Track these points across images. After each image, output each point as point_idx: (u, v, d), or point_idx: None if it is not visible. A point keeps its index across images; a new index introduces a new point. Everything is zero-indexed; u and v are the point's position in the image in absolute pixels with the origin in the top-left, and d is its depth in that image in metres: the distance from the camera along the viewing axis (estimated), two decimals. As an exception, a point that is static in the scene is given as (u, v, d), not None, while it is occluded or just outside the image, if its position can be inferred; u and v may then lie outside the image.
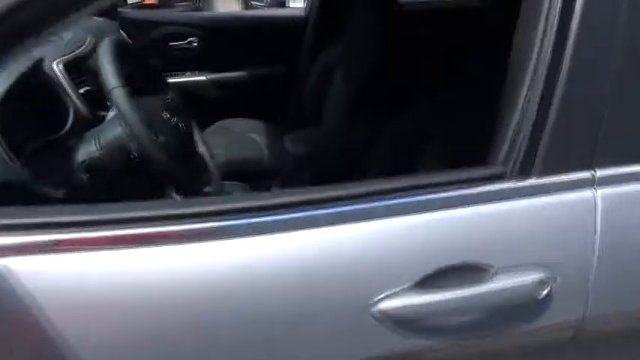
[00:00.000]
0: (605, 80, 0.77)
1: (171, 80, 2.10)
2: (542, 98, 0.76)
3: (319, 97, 2.01)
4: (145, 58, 1.24)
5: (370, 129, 1.63)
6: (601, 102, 0.78)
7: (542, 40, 0.76)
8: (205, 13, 2.34)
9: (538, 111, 0.77)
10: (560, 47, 0.76)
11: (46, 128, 1.13)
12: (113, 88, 0.98)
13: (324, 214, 0.70)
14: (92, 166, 1.01)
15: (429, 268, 0.72)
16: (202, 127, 2.09)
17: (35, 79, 1.13)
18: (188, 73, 2.12)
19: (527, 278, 0.74)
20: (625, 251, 0.79)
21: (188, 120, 1.20)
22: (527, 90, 0.77)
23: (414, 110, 1.53)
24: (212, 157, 1.32)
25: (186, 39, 2.06)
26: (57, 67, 1.22)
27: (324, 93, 1.98)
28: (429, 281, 0.72)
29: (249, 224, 0.69)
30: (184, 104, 1.27)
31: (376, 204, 0.72)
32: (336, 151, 1.59)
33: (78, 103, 1.21)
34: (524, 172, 0.77)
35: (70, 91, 1.21)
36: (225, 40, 2.09)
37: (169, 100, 1.19)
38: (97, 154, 1.01)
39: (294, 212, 0.69)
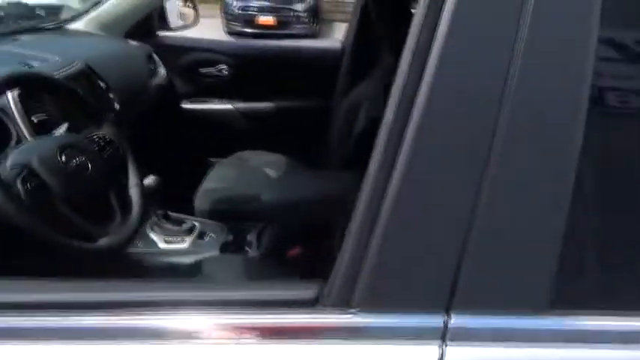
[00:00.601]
0: (472, 179, 0.51)
1: (197, 107, 2.08)
2: (371, 204, 0.53)
3: (345, 136, 1.83)
4: (78, 94, 1.16)
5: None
6: (466, 206, 0.52)
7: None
8: (238, 41, 2.29)
9: (365, 218, 0.53)
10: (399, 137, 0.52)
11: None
12: None
13: None
14: None
15: None
16: (225, 156, 2.03)
17: None
18: (216, 100, 2.06)
19: None
20: None
21: (111, 160, 1.11)
22: (363, 196, 0.54)
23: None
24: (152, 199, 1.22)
25: (215, 66, 2.02)
26: (10, 93, 1.20)
27: (349, 132, 1.80)
28: None
29: None
30: (126, 143, 1.18)
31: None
32: (309, 202, 1.40)
33: (24, 131, 1.17)
34: (341, 303, 0.54)
35: (17, 119, 1.19)
36: (255, 69, 2.00)
37: (95, 138, 1.11)
38: None
39: None
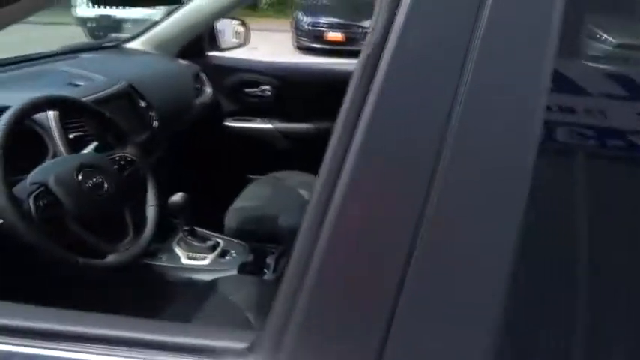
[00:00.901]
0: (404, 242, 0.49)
1: (239, 125, 2.13)
2: (302, 255, 0.52)
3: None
4: (105, 117, 1.23)
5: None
6: (399, 269, 0.50)
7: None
8: (282, 62, 2.32)
9: (296, 268, 0.52)
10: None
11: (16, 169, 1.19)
12: None
13: None
14: None
15: None
16: (264, 174, 2.07)
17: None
18: (258, 119, 2.11)
19: None
20: None
21: (130, 180, 1.16)
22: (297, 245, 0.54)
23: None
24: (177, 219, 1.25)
25: (259, 86, 2.07)
26: (51, 112, 1.29)
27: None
28: None
29: None
30: (147, 164, 1.24)
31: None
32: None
33: (60, 147, 1.25)
34: (270, 356, 0.53)
35: (55, 135, 1.27)
36: (297, 91, 2.03)
37: (117, 158, 1.17)
38: None
39: None
